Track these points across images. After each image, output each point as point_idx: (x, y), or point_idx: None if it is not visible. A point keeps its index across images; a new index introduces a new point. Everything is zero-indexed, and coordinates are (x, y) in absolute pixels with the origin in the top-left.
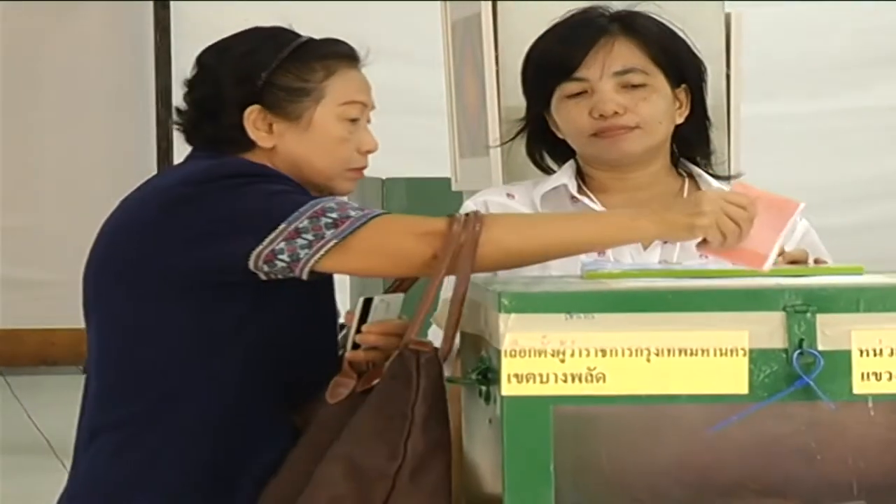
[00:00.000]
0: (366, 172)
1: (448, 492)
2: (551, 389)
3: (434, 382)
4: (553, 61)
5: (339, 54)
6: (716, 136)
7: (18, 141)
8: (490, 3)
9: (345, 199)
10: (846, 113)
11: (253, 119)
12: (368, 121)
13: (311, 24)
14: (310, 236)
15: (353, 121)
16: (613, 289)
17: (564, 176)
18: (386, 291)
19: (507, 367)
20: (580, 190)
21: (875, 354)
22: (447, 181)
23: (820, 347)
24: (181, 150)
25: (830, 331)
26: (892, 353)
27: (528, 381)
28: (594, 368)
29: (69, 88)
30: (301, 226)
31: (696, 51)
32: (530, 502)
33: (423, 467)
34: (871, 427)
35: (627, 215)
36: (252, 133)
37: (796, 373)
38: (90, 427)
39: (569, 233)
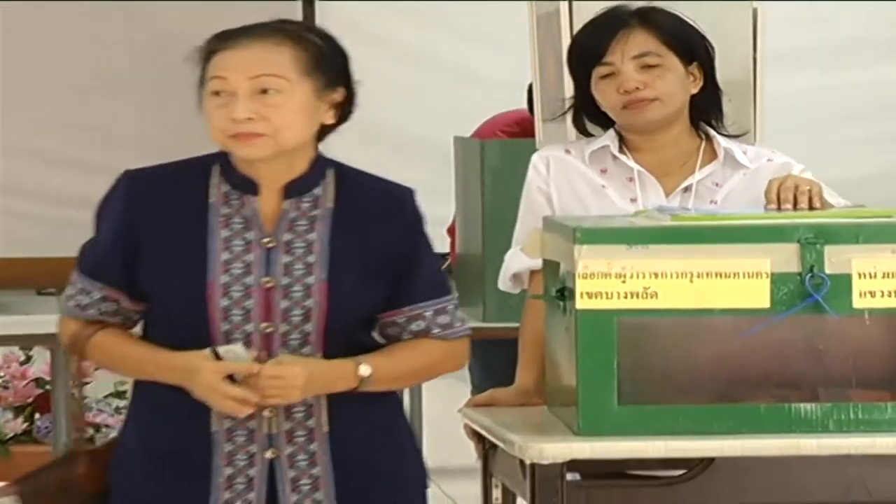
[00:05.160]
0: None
1: None
2: (615, 304)
3: None
4: (586, 51)
5: (212, 41)
6: (742, 110)
7: (163, 129)
8: (567, 3)
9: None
10: (855, 86)
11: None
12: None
13: (437, 19)
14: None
15: (216, 94)
16: (664, 225)
17: (608, 139)
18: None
19: (581, 286)
20: (620, 150)
21: (871, 277)
22: (533, 142)
23: (827, 271)
24: None
25: (835, 258)
26: (884, 276)
27: (596, 297)
28: (649, 288)
29: None
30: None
31: (703, 33)
32: (598, 393)
33: None
34: (867, 334)
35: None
36: None
37: (808, 291)
38: None
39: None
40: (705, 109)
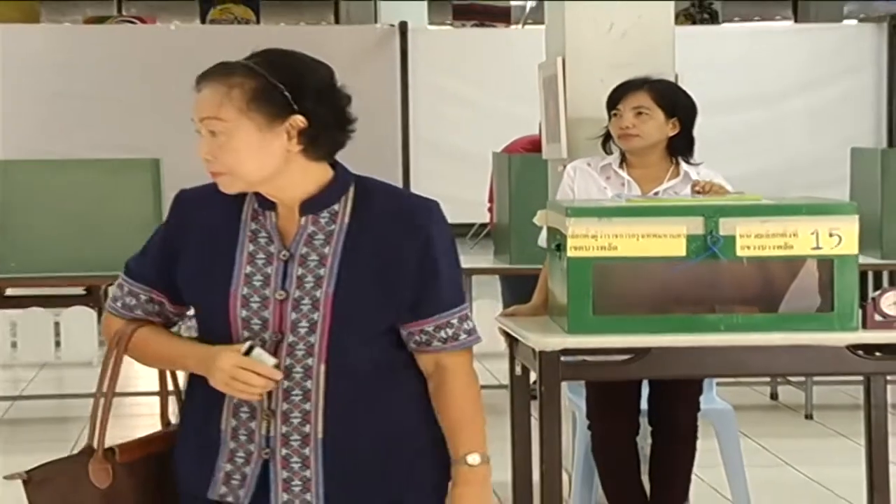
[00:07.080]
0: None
1: None
2: (591, 254)
3: None
4: (610, 99)
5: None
6: None
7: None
8: (562, 72)
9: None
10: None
11: None
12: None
13: (485, 81)
14: None
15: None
16: (620, 205)
17: (612, 158)
18: None
19: (571, 243)
20: (620, 165)
21: (748, 237)
22: (540, 155)
23: (721, 234)
24: None
25: (726, 226)
26: (756, 237)
27: (580, 250)
28: (612, 244)
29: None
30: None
31: (691, 99)
32: (580, 308)
33: None
34: (745, 272)
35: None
36: None
37: (709, 246)
38: None
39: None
40: (678, 148)
